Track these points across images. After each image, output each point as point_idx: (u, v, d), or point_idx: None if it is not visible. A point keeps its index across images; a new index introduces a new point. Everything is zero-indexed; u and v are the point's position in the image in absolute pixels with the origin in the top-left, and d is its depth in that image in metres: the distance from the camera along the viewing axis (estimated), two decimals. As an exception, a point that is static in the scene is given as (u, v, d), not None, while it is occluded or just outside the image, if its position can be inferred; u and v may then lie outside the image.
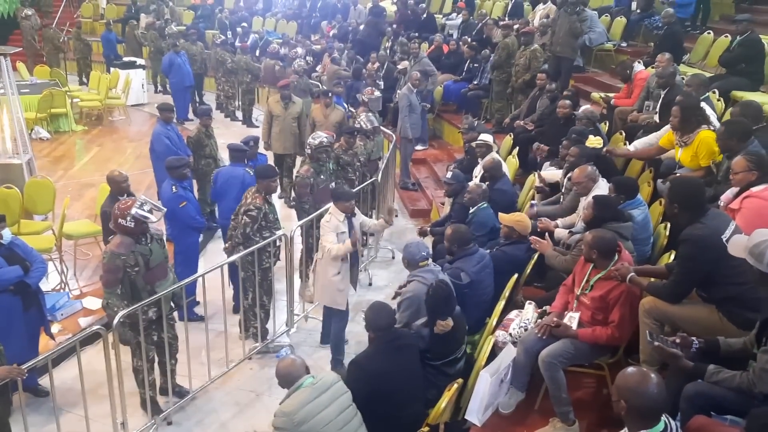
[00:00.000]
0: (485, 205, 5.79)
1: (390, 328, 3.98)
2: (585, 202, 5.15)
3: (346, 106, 10.07)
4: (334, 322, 5.72)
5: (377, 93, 9.02)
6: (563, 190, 5.97)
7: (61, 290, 6.69)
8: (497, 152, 7.03)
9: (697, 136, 5.12)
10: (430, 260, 4.80)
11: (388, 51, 12.99)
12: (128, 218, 4.65)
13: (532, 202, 6.17)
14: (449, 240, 4.97)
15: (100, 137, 12.54)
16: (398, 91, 10.28)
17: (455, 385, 3.82)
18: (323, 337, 6.11)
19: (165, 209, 5.21)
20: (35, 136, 11.74)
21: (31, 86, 12.96)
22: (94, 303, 6.33)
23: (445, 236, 5.07)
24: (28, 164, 8.33)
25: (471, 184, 5.96)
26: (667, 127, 5.65)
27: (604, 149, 5.94)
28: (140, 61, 15.47)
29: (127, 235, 4.69)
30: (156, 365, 5.12)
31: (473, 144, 7.09)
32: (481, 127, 7.89)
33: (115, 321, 4.49)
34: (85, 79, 15.99)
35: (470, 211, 5.85)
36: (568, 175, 5.76)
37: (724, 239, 3.47)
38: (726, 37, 8.36)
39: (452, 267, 4.89)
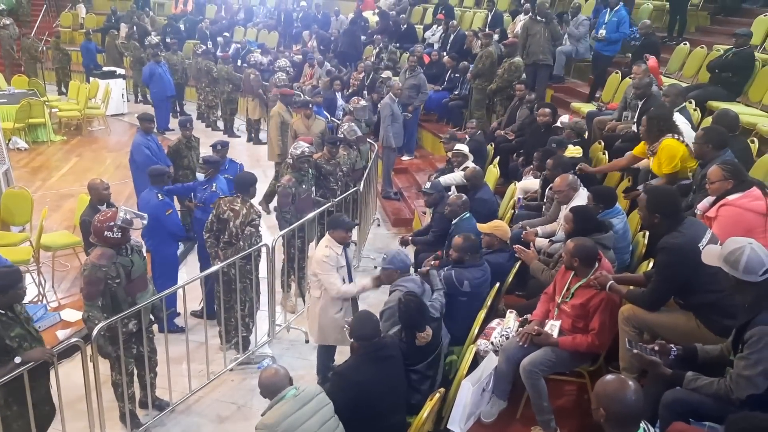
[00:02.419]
0: (467, 215, 5.77)
1: (374, 338, 3.96)
2: (565, 211, 5.19)
3: (327, 115, 10.08)
4: (321, 353, 5.53)
5: (362, 102, 9.04)
6: (545, 200, 6.02)
7: (39, 302, 6.60)
8: (472, 161, 7.10)
9: (660, 144, 5.19)
10: (412, 270, 4.81)
11: (373, 60, 13.04)
12: (115, 229, 4.59)
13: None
14: (461, 249, 4.92)
15: (78, 147, 12.42)
16: (380, 101, 10.32)
17: (437, 395, 3.82)
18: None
19: (146, 215, 5.17)
20: (13, 146, 11.62)
21: (8, 96, 12.82)
22: (73, 315, 6.25)
23: (454, 245, 5.01)
24: (5, 175, 8.23)
25: (451, 196, 5.96)
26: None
27: (577, 167, 5.95)
28: (120, 71, 15.38)
29: (110, 247, 4.64)
30: (135, 378, 5.07)
31: (449, 154, 7.16)
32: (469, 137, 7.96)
33: (94, 333, 4.43)
34: (64, 89, 15.85)
35: (452, 223, 5.82)
36: (551, 185, 5.81)
37: (701, 247, 3.52)
38: (702, 48, 8.51)
39: (458, 271, 4.86)
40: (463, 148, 7.12)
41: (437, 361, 4.30)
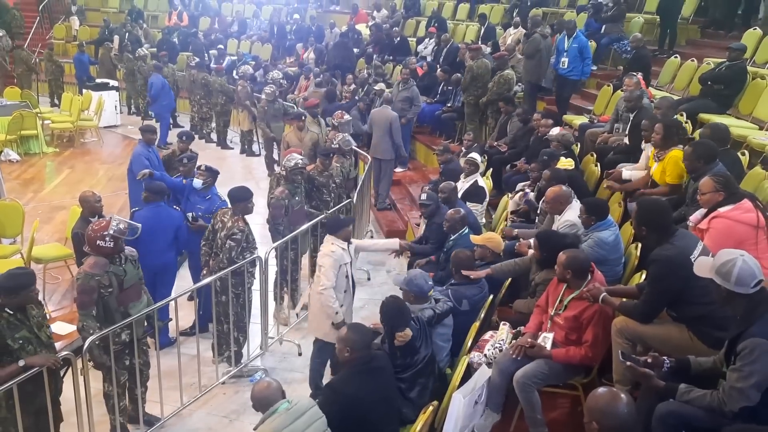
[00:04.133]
0: (466, 231, 5.70)
1: (368, 349, 3.95)
2: (559, 221, 5.21)
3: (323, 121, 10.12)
4: (315, 365, 5.46)
5: (347, 116, 9.06)
6: (539, 212, 6.04)
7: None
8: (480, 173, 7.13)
9: (668, 154, 5.23)
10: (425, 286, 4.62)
11: (366, 73, 13.09)
12: (107, 239, 4.64)
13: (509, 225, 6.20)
14: (453, 264, 4.99)
15: (71, 159, 12.39)
16: (366, 110, 10.39)
17: (430, 407, 3.80)
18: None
19: (139, 225, 5.18)
20: (5, 158, 11.58)
21: (0, 108, 12.77)
22: (64, 328, 6.18)
23: (451, 258, 5.07)
24: (-4, 187, 8.20)
25: (449, 210, 5.95)
26: (648, 149, 5.78)
27: (606, 185, 6.01)
28: (113, 83, 15.37)
29: (103, 256, 4.68)
30: (126, 391, 5.03)
31: (463, 161, 7.18)
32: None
33: (86, 344, 4.42)
34: (56, 101, 15.82)
35: (451, 238, 5.76)
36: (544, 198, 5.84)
37: (693, 259, 3.54)
38: (692, 61, 8.59)
39: (455, 289, 4.87)
40: (477, 157, 7.11)
41: (426, 369, 4.27)
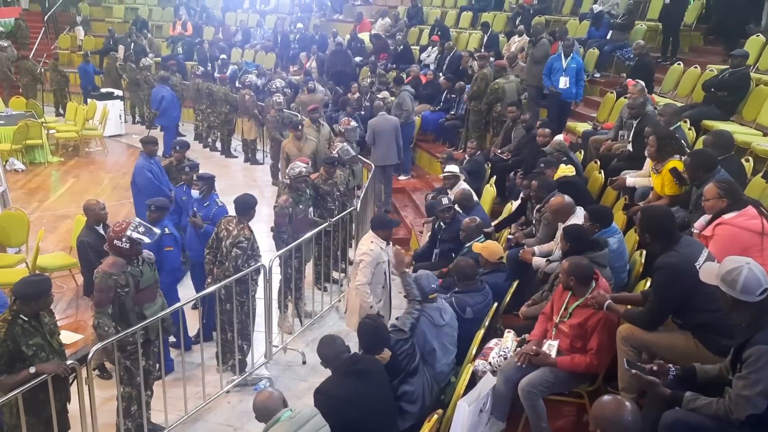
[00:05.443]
0: (482, 239, 5.74)
1: (341, 356, 3.99)
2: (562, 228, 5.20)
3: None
4: None
5: (353, 123, 9.08)
6: (533, 222, 6.03)
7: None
8: (465, 181, 7.12)
9: (666, 165, 5.23)
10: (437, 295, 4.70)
11: (369, 82, 13.12)
12: (124, 239, 4.76)
13: (509, 237, 6.19)
14: (452, 272, 5.04)
15: (76, 168, 12.43)
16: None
17: (435, 416, 3.79)
18: None
19: (158, 231, 5.23)
20: (10, 167, 11.63)
21: (6, 117, 12.84)
22: (69, 337, 6.19)
23: (453, 266, 5.13)
24: (1, 196, 8.23)
25: (465, 219, 5.95)
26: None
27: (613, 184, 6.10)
28: (118, 92, 15.43)
29: (121, 256, 4.78)
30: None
31: (440, 176, 7.19)
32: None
33: (96, 347, 4.46)
34: (61, 110, 15.89)
35: (465, 246, 5.77)
36: (537, 207, 5.84)
37: (698, 266, 3.53)
38: (695, 67, 8.60)
39: (459, 297, 4.89)
40: (454, 169, 7.13)
41: (413, 376, 4.29)
